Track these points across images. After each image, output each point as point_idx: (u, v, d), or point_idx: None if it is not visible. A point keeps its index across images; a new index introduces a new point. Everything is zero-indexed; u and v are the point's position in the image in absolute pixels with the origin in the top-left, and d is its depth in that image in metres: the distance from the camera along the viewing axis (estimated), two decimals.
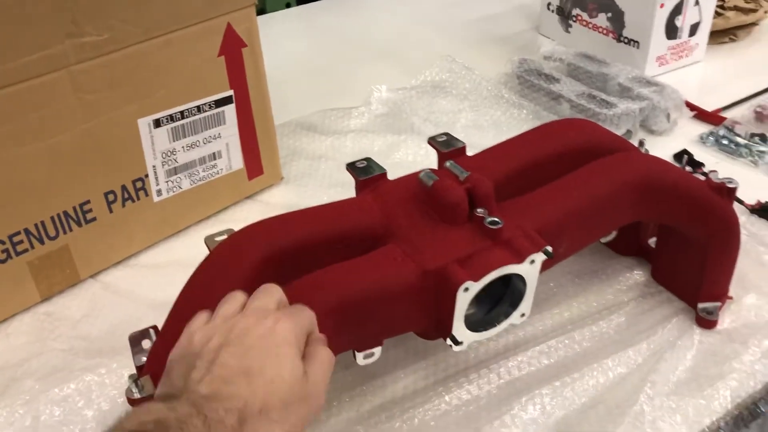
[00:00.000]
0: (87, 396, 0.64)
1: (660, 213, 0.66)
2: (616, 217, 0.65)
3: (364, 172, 0.65)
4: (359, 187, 0.64)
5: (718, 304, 0.70)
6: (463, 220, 0.59)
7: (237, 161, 0.88)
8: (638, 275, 0.77)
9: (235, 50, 0.82)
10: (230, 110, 0.84)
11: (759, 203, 0.85)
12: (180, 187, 0.83)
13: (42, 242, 0.74)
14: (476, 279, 0.55)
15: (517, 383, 0.65)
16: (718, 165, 0.95)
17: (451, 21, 1.40)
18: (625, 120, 0.96)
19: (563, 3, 1.25)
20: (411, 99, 1.09)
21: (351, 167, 0.65)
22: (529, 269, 0.58)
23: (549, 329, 0.71)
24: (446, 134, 0.70)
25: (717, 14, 1.22)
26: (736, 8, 1.24)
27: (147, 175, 0.80)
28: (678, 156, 0.95)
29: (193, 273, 0.56)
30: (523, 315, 0.61)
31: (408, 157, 0.96)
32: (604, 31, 1.19)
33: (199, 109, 0.81)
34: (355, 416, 0.63)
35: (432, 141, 0.69)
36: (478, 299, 0.61)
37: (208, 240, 0.60)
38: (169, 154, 0.81)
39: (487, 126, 1.03)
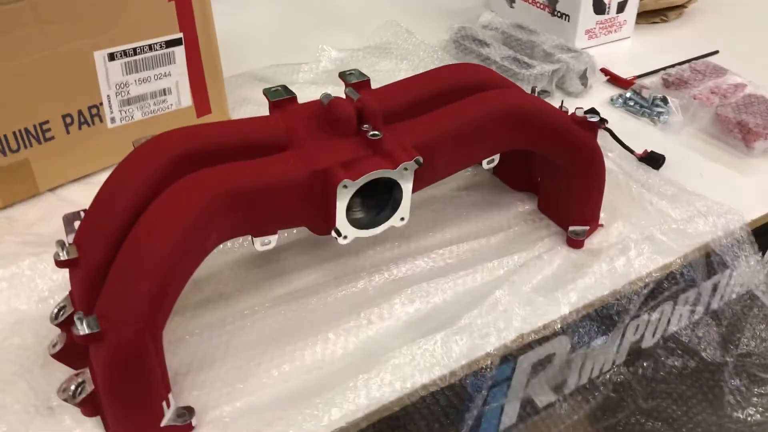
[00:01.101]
0: (35, 270, 0.75)
1: (529, 141, 0.77)
2: (489, 141, 0.75)
3: (277, 94, 0.75)
4: (271, 108, 0.75)
5: (586, 228, 0.81)
6: (351, 133, 0.69)
7: (186, 99, 0.98)
8: (527, 207, 0.87)
9: None
10: (179, 51, 0.95)
11: (645, 152, 0.96)
12: (132, 118, 0.94)
13: (5, 154, 0.85)
14: (354, 178, 0.65)
15: (401, 282, 0.76)
16: (621, 122, 1.05)
17: None
18: (540, 79, 1.07)
19: None
20: (356, 58, 1.19)
21: (266, 91, 0.76)
22: (403, 175, 0.68)
23: (437, 244, 0.81)
24: (355, 70, 0.80)
25: None
26: None
27: (101, 103, 0.91)
28: (586, 113, 1.06)
29: (118, 165, 0.67)
30: (402, 219, 0.72)
31: None
32: (542, 6, 1.29)
33: (150, 47, 0.92)
34: (259, 302, 0.73)
35: (342, 75, 0.80)
36: (366, 205, 0.72)
37: (135, 142, 0.70)
38: (122, 86, 0.91)
39: None
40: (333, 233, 0.68)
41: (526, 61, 1.10)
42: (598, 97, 1.11)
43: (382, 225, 0.71)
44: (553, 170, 0.81)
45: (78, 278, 0.63)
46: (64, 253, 0.62)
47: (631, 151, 0.96)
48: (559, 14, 1.26)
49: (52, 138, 0.88)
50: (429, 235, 0.83)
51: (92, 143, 0.91)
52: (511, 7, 1.37)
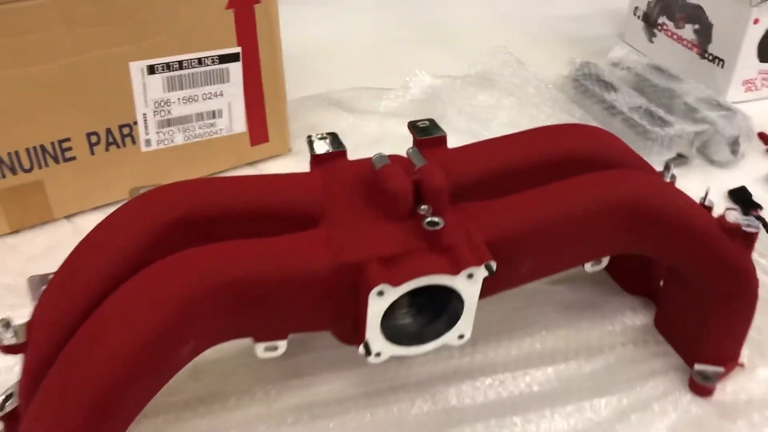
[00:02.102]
0: None
1: (654, 248, 0.56)
2: (597, 242, 0.55)
3: (321, 145, 0.58)
4: (312, 163, 0.58)
5: (720, 369, 0.59)
6: (403, 214, 0.51)
7: (239, 124, 0.83)
8: (640, 318, 0.66)
9: (246, 5, 0.77)
10: (236, 68, 0.80)
11: None
12: (172, 141, 0.80)
13: (14, 172, 0.72)
14: (395, 283, 0.47)
15: (452, 413, 0.57)
16: None
17: (528, 15, 1.31)
18: (677, 143, 0.84)
19: (650, 9, 1.12)
20: (453, 88, 1.01)
21: (309, 140, 0.59)
22: (466, 285, 0.49)
23: (510, 360, 0.62)
24: (429, 120, 0.62)
25: None
26: None
27: (136, 122, 0.77)
28: (734, 193, 0.82)
29: (97, 224, 0.51)
30: (461, 337, 0.53)
31: None
32: (689, 45, 1.05)
33: (200, 61, 0.77)
34: (263, 413, 0.57)
35: (411, 125, 0.61)
36: (417, 306, 0.54)
37: (133, 191, 0.55)
38: (162, 104, 0.77)
39: (526, 128, 0.93)
40: (360, 349, 0.50)
41: (661, 115, 0.88)
42: (753, 172, 0.87)
43: (432, 343, 0.53)
44: (683, 283, 0.59)
45: (24, 368, 0.48)
46: (10, 334, 0.48)
47: None
48: (710, 57, 1.02)
49: (73, 158, 0.75)
50: (501, 344, 0.63)
51: (121, 167, 0.78)
52: (651, 41, 1.14)
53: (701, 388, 0.58)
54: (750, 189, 0.83)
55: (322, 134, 0.59)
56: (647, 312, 0.66)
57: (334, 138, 0.59)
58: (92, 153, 0.75)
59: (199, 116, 0.80)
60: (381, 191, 0.51)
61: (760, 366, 0.61)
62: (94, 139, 0.75)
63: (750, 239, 0.54)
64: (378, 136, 0.91)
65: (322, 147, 0.58)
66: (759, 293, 0.61)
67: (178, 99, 0.78)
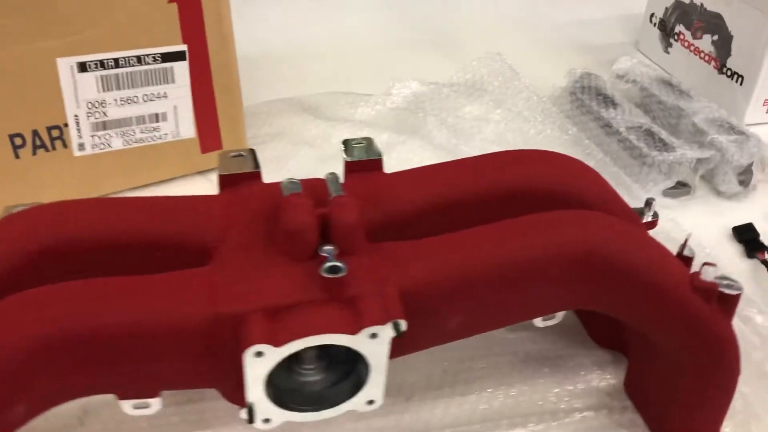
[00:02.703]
0: None
1: (612, 307, 0.46)
2: (543, 296, 0.46)
3: (233, 164, 0.50)
4: (221, 185, 0.50)
5: None
6: (305, 256, 0.43)
7: (187, 129, 0.76)
8: (607, 378, 0.56)
9: None
10: (181, 68, 0.72)
11: None
12: (110, 146, 0.73)
13: None
14: (277, 343, 0.39)
15: None
16: None
17: (538, 19, 1.21)
18: (678, 170, 0.74)
19: (667, 16, 1.02)
20: (438, 96, 0.91)
21: (222, 156, 0.51)
22: (370, 345, 0.41)
23: (447, 422, 0.53)
24: (366, 139, 0.53)
25: None
26: None
27: (66, 125, 0.70)
28: (739, 231, 0.72)
29: None
30: (371, 402, 0.44)
31: (393, 163, 0.79)
32: (707, 58, 0.95)
33: (139, 60, 0.70)
34: None
35: (345, 143, 0.53)
36: (328, 364, 0.45)
37: (6, 210, 0.48)
38: (96, 105, 0.70)
39: (513, 144, 0.84)
40: (242, 414, 0.42)
41: (663, 137, 0.78)
42: (765, 206, 0.76)
43: (335, 408, 0.44)
44: (652, 343, 0.50)
45: None
46: None
47: None
48: (729, 72, 0.91)
49: None
50: (439, 402, 0.54)
51: (50, 173, 0.71)
52: (666, 52, 1.03)
53: None
54: (759, 226, 0.73)
55: (238, 151, 0.52)
56: (617, 371, 0.57)
57: (250, 154, 0.51)
58: (17, 157, 0.69)
59: (140, 119, 0.73)
60: (279, 227, 0.43)
61: None
62: (18, 141, 0.68)
63: (729, 303, 0.45)
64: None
65: (235, 166, 0.50)
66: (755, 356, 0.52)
67: (115, 100, 0.70)
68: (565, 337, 0.60)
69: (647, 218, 0.56)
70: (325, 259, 0.41)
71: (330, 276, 0.40)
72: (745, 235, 0.71)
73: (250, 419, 0.42)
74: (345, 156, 0.51)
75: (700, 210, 0.76)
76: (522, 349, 0.59)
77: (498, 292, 0.44)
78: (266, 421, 0.43)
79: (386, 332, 0.40)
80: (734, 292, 0.44)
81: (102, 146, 0.72)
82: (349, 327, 0.40)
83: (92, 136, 0.71)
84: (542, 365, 0.57)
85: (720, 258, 0.68)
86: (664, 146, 0.76)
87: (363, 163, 0.51)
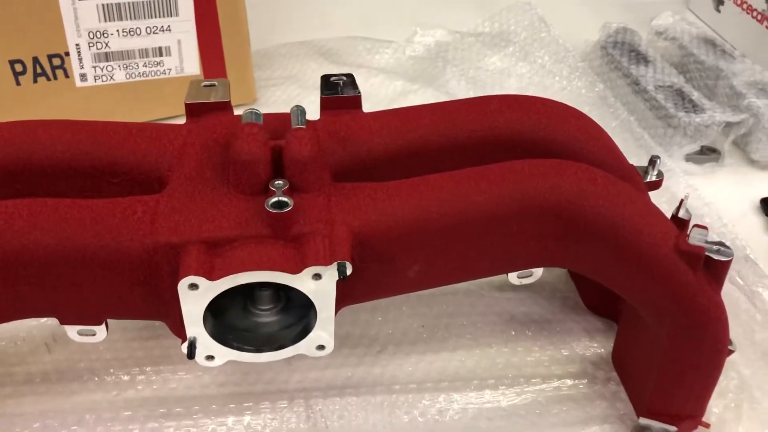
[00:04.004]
0: None
1: (588, 267, 0.43)
2: (510, 250, 0.42)
3: (199, 94, 0.48)
4: (188, 114, 0.48)
5: (672, 428, 0.45)
6: (256, 189, 0.40)
7: (192, 65, 0.74)
8: (594, 347, 0.53)
9: None
10: (186, 1, 0.70)
11: None
12: (112, 78, 0.71)
13: None
14: (211, 277, 0.37)
15: None
16: None
17: None
18: (704, 133, 0.68)
19: None
20: (461, 46, 0.87)
21: (193, 84, 0.49)
22: (314, 287, 0.38)
23: (416, 378, 0.50)
24: (347, 75, 0.51)
25: None
26: None
27: (68, 53, 0.69)
28: (766, 201, 0.66)
29: None
30: (321, 347, 0.42)
31: None
32: (759, 17, 0.87)
33: None
34: (106, 400, 0.48)
35: (323, 78, 0.50)
36: (285, 306, 0.43)
37: None
38: (98, 35, 0.69)
39: None
40: (183, 348, 0.41)
41: (693, 98, 0.72)
42: None
43: (285, 351, 0.42)
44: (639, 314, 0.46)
45: None
46: None
47: None
48: None
49: None
50: (410, 358, 0.52)
51: (52, 103, 0.70)
52: (718, 10, 0.96)
53: None
54: None
55: (211, 81, 0.49)
56: (607, 340, 0.53)
57: (221, 85, 0.49)
58: (18, 83, 0.68)
59: (143, 52, 0.71)
60: (231, 157, 0.41)
61: (731, 428, 0.47)
62: (19, 67, 0.67)
63: (717, 270, 0.40)
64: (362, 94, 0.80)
65: (203, 95, 0.48)
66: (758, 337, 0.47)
67: (117, 31, 0.69)
68: (557, 300, 0.56)
69: (650, 177, 0.52)
70: (272, 195, 0.39)
71: (275, 211, 0.38)
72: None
73: (190, 355, 0.40)
74: (323, 91, 0.49)
75: (729, 178, 0.70)
76: (508, 309, 0.55)
77: (458, 242, 0.41)
78: (209, 358, 0.41)
79: (330, 274, 0.38)
80: (723, 258, 0.40)
81: (105, 78, 0.71)
82: (289, 265, 0.37)
83: (94, 67, 0.70)
84: (527, 328, 0.54)
85: (741, 230, 0.63)
86: (694, 108, 0.71)
87: (340, 99, 0.48)
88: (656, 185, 0.52)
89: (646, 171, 0.52)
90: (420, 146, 0.47)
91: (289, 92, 0.81)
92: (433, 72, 0.84)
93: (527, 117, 0.47)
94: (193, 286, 0.37)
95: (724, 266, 0.40)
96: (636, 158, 0.70)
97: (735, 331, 0.46)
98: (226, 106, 0.47)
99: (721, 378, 0.45)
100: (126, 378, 0.50)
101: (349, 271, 0.38)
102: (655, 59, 0.79)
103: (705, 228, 0.41)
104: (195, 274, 0.37)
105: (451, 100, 0.50)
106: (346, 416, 0.48)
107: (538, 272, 0.46)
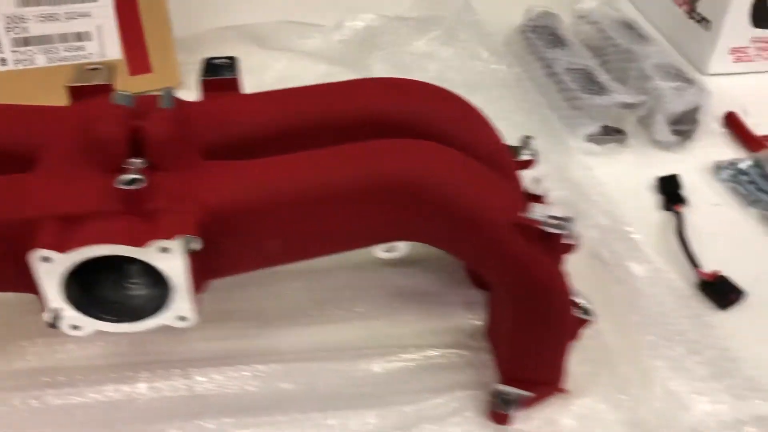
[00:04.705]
0: None
1: (437, 240, 0.45)
2: (365, 223, 0.44)
3: (83, 77, 0.50)
4: (72, 96, 0.50)
5: (527, 394, 0.48)
6: (113, 167, 0.42)
7: (113, 50, 0.76)
8: (472, 319, 0.55)
9: None
10: None
11: (715, 275, 0.58)
12: (33, 62, 0.73)
13: None
14: (62, 249, 0.39)
15: (207, 401, 0.49)
16: (714, 210, 0.67)
17: None
18: (604, 114, 0.70)
19: None
20: (389, 30, 0.89)
21: (77, 69, 0.51)
22: (163, 260, 0.41)
23: (297, 348, 0.53)
24: (229, 59, 0.53)
25: None
26: None
27: None
28: (664, 181, 0.68)
29: None
30: (183, 319, 0.44)
31: None
32: (679, 1, 0.89)
33: None
34: None
35: (206, 60, 0.52)
36: (156, 280, 0.46)
37: None
38: (16, 20, 0.70)
39: (453, 82, 0.80)
40: (45, 317, 0.43)
41: (601, 80, 0.74)
42: (700, 158, 0.72)
43: (147, 321, 0.45)
44: None
45: None
46: None
47: (695, 265, 0.59)
48: (698, 17, 0.86)
49: None
50: (296, 329, 0.54)
51: None
52: None
53: (496, 414, 0.48)
54: (692, 179, 0.69)
55: (95, 65, 0.51)
56: (485, 312, 0.55)
57: (107, 70, 0.51)
58: None
59: (63, 37, 0.73)
60: (89, 135, 0.43)
61: (586, 395, 0.49)
62: None
63: (554, 242, 0.43)
64: (283, 77, 0.82)
65: (85, 78, 0.50)
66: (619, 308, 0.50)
67: (35, 16, 0.71)
68: (444, 275, 0.59)
69: (523, 157, 0.54)
70: (125, 172, 0.41)
71: (126, 188, 0.40)
72: (668, 186, 0.68)
73: (52, 324, 0.42)
74: (201, 73, 0.51)
75: (630, 159, 0.72)
76: (395, 283, 0.58)
77: (314, 217, 0.43)
78: (75, 327, 0.44)
79: (177, 247, 0.40)
80: (557, 232, 0.42)
81: (25, 62, 0.73)
82: (134, 239, 0.40)
83: (14, 51, 0.72)
84: (410, 300, 0.57)
85: (633, 207, 0.65)
86: (600, 90, 0.73)
87: (219, 82, 0.50)
88: (527, 164, 0.54)
89: (519, 150, 0.54)
90: (294, 126, 0.49)
91: None
92: (359, 56, 0.86)
93: (398, 99, 0.49)
94: (47, 259, 0.39)
95: (559, 239, 0.42)
96: (542, 139, 0.72)
97: (599, 302, 0.49)
98: (107, 89, 0.49)
99: (583, 345, 0.48)
100: (11, 348, 0.52)
101: (196, 246, 0.40)
102: (572, 43, 0.81)
103: (545, 203, 0.43)
104: (46, 248, 0.39)
105: (331, 83, 0.52)
106: (222, 385, 0.50)
107: (402, 246, 0.49)
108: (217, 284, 0.51)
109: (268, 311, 0.55)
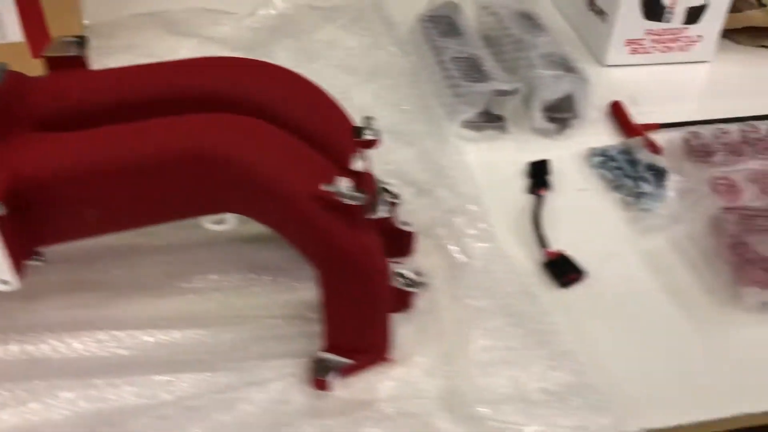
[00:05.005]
0: None
1: (245, 212, 0.47)
2: (176, 195, 0.47)
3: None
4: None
5: (344, 361, 0.50)
6: None
7: (14, 32, 0.77)
8: (314, 292, 0.57)
9: None
10: None
11: (556, 254, 0.60)
12: None
13: None
14: None
15: (36, 364, 0.51)
16: (580, 195, 0.69)
17: None
18: (479, 101, 0.72)
19: None
20: (299, 17, 0.91)
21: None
22: None
23: (145, 318, 0.55)
24: (80, 38, 0.55)
25: (760, 3, 0.89)
26: None
27: None
28: (534, 166, 0.70)
29: None
30: (5, 282, 0.47)
31: None
32: None
33: None
34: None
35: (55, 39, 0.54)
36: None
37: None
38: None
39: (353, 69, 0.83)
40: None
41: (486, 69, 0.76)
42: (574, 146, 0.74)
43: None
44: None
45: None
46: None
47: (543, 246, 0.61)
48: (597, 10, 0.88)
49: None
50: (142, 300, 0.56)
51: None
52: None
53: (315, 380, 0.50)
54: (565, 166, 0.71)
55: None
56: None
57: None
58: None
59: None
60: None
61: (410, 365, 0.52)
62: None
63: (353, 214, 0.45)
64: None
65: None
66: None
67: None
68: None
69: (365, 137, 0.56)
70: None
71: None
72: (537, 171, 0.70)
73: None
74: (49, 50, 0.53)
75: (509, 146, 0.74)
76: (249, 258, 0.60)
77: (122, 187, 0.46)
78: None
79: None
80: (354, 203, 0.44)
81: None
82: None
83: None
84: (262, 274, 0.59)
85: (501, 191, 0.68)
86: (482, 77, 0.75)
87: (63, 59, 0.53)
88: (372, 143, 0.56)
89: (361, 131, 0.56)
90: (130, 101, 0.51)
91: (123, 60, 0.82)
92: (266, 43, 0.88)
93: (234, 77, 0.52)
94: None
95: (356, 210, 0.44)
96: (421, 124, 0.75)
97: (441, 278, 0.52)
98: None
99: (417, 317, 0.51)
100: None
101: (1, 211, 0.42)
102: (467, 32, 0.83)
103: (348, 177, 0.45)
104: None
105: (171, 60, 0.54)
106: (63, 352, 0.52)
107: (231, 219, 0.51)
108: (72, 256, 0.54)
109: (120, 283, 0.57)
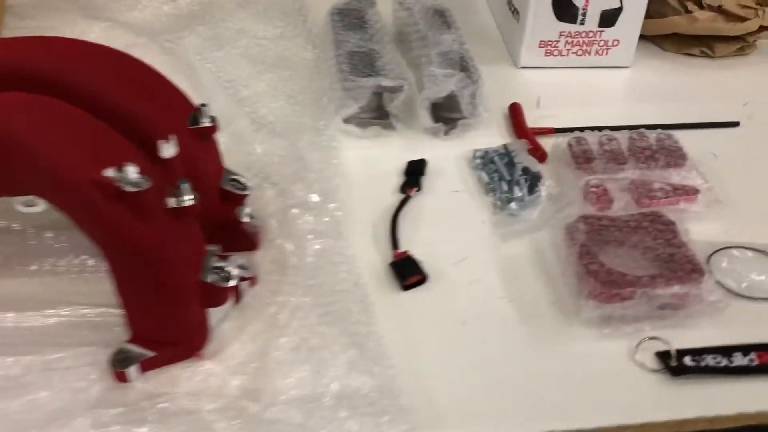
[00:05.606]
0: None
1: (34, 192, 0.46)
2: None
3: None
4: None
5: (146, 353, 0.49)
6: None
7: None
8: None
9: None
10: None
11: (403, 254, 0.58)
12: None
13: None
14: None
15: None
16: (455, 198, 0.67)
17: None
18: (360, 95, 0.71)
19: None
20: (216, 5, 0.90)
21: None
22: None
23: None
24: None
25: (684, 9, 0.86)
26: (719, 9, 0.85)
27: None
28: (412, 165, 0.69)
29: None
30: None
31: None
32: None
33: None
34: None
35: None
36: None
37: None
38: None
39: (255, 59, 0.82)
40: None
41: (378, 65, 0.74)
42: (468, 146, 0.71)
43: None
44: None
45: None
46: None
47: (394, 246, 0.60)
48: (513, 10, 0.85)
49: None
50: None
51: None
52: None
53: (116, 371, 0.49)
54: (446, 165, 0.69)
55: None
56: None
57: None
58: None
59: None
60: None
61: (218, 361, 0.50)
62: None
63: (135, 202, 0.44)
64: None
65: None
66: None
67: None
68: None
69: (203, 124, 0.55)
70: None
71: None
72: (412, 170, 0.68)
73: None
74: None
75: (395, 143, 0.72)
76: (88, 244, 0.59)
77: None
78: None
79: None
80: (134, 189, 0.43)
81: None
82: None
83: None
84: (99, 261, 0.58)
85: (372, 188, 0.66)
86: (372, 73, 0.73)
87: None
88: (211, 130, 0.55)
89: (197, 117, 0.54)
90: None
91: None
92: (178, 28, 0.87)
93: (42, 56, 0.51)
94: None
95: (138, 197, 0.43)
96: (311, 118, 0.73)
97: (278, 276, 0.51)
98: None
99: (239, 310, 0.50)
100: None
101: None
102: (373, 27, 0.81)
103: (135, 167, 0.43)
104: None
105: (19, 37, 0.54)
106: None
107: (42, 203, 0.50)
108: None
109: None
